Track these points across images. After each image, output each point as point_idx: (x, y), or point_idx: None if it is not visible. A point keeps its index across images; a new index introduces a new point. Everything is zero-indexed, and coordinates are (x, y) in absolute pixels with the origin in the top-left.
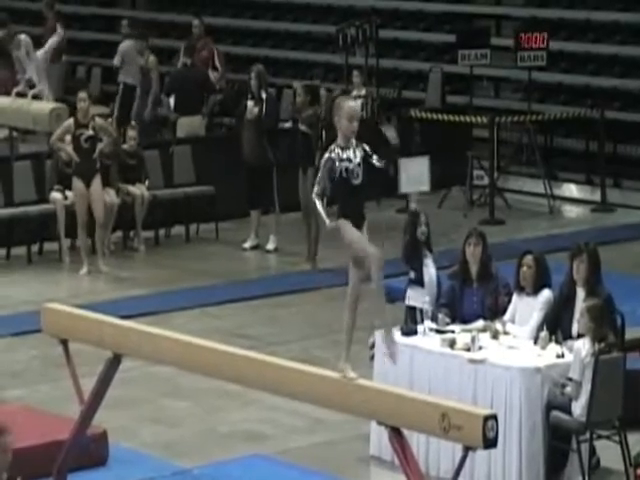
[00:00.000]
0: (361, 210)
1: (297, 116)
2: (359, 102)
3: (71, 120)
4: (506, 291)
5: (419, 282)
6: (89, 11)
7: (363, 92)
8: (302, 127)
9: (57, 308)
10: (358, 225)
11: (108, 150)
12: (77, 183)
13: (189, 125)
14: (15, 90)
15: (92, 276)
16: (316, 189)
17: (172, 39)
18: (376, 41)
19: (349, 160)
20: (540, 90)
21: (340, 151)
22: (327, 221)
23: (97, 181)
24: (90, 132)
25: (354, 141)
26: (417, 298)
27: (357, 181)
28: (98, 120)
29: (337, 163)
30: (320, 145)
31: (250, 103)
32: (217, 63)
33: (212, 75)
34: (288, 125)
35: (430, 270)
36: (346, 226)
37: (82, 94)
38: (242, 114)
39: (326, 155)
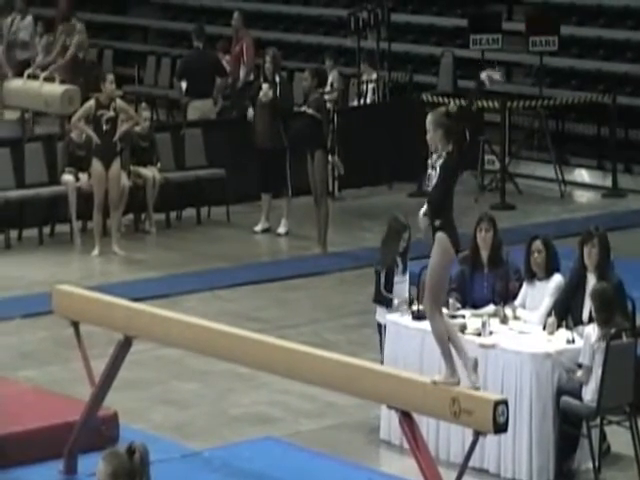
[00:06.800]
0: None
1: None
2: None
3: (92, 102)
4: (517, 276)
5: None
6: None
7: (374, 76)
8: (309, 110)
9: (68, 290)
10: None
11: (124, 132)
12: (96, 164)
13: (201, 108)
14: (27, 72)
15: (104, 258)
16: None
17: (183, 22)
18: (388, 25)
19: (433, 168)
20: (551, 75)
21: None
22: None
23: (117, 164)
24: (111, 113)
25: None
26: None
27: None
28: (120, 102)
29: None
30: (332, 128)
31: (265, 86)
32: (245, 58)
33: (242, 70)
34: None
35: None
36: (446, 254)
37: (110, 76)
38: (254, 97)
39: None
